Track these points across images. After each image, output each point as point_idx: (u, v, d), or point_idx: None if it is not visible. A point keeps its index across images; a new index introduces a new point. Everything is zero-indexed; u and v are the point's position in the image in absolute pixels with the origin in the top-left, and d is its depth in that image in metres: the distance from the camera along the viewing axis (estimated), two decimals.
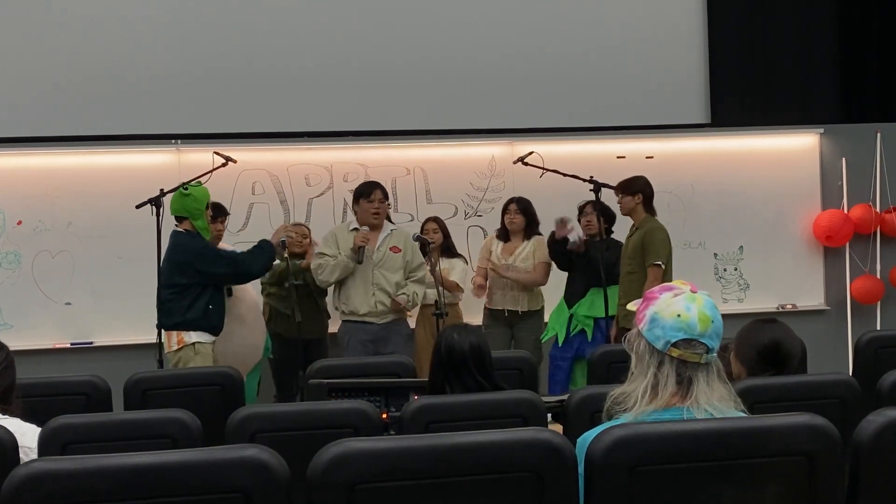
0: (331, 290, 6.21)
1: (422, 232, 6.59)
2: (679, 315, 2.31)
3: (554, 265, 6.54)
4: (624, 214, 6.19)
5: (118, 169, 6.93)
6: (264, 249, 5.69)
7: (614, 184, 6.09)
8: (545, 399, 3.53)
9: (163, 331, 5.54)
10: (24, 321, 6.75)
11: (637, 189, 6.07)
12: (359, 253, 5.86)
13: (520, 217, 6.56)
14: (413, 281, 6.07)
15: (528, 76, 7.53)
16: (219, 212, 6.07)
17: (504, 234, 6.64)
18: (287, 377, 6.39)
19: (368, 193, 5.99)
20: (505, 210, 6.64)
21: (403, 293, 5.99)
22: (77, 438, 2.99)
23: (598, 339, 6.22)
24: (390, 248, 6.00)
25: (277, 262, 6.16)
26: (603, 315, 6.07)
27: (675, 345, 2.30)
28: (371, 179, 6.41)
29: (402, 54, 7.40)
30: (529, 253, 6.53)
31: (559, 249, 6.38)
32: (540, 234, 6.60)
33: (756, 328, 3.34)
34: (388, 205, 6.23)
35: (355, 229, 5.98)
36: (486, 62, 7.48)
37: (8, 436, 2.79)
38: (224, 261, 5.56)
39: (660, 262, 5.87)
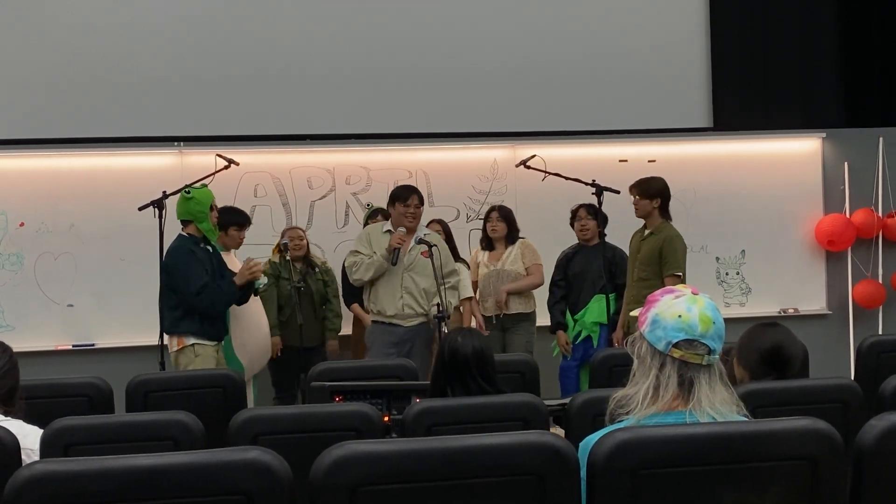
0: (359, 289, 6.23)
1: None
2: (680, 316, 2.32)
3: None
4: (639, 217, 6.00)
5: (120, 171, 6.94)
6: (227, 293, 5.50)
7: (616, 187, 6.03)
8: (547, 402, 3.53)
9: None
10: (26, 323, 6.76)
11: (656, 193, 5.90)
12: (394, 254, 5.86)
13: (502, 224, 6.54)
14: (449, 288, 5.97)
15: (531, 79, 7.54)
16: (240, 218, 6.11)
17: (488, 244, 6.63)
18: (286, 380, 6.38)
19: (406, 197, 5.98)
20: (487, 218, 6.63)
21: (437, 304, 5.85)
22: (79, 440, 2.99)
23: (602, 345, 6.20)
24: (421, 253, 5.99)
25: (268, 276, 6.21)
26: (607, 321, 6.06)
27: (676, 345, 2.31)
28: (408, 184, 6.38)
29: (405, 57, 7.41)
30: (517, 256, 6.52)
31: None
32: (523, 237, 6.59)
33: (758, 332, 3.34)
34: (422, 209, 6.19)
35: (389, 231, 5.99)
36: (488, 66, 7.49)
37: (10, 437, 2.79)
38: (185, 283, 5.38)
39: (680, 274, 5.73)
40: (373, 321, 6.04)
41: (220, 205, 5.90)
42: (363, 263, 5.93)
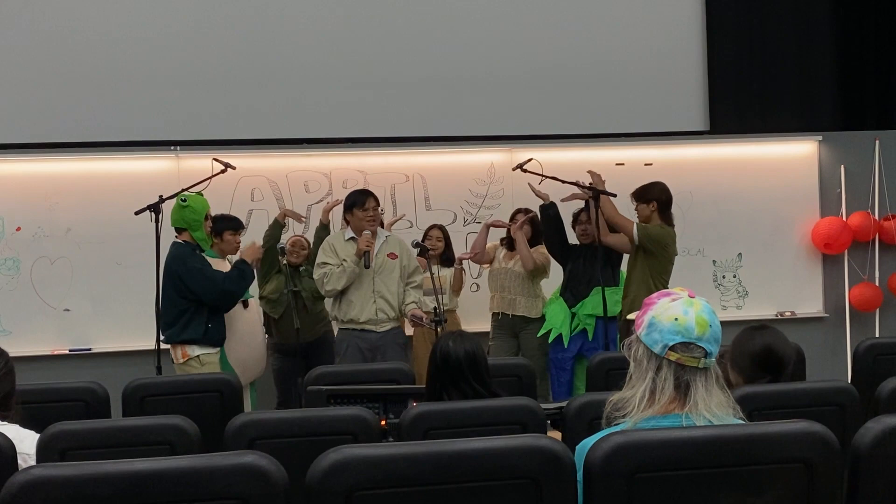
0: (328, 299, 6.22)
1: (425, 238, 6.60)
2: (676, 318, 2.31)
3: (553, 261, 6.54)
4: (641, 222, 6.02)
5: (117, 175, 6.93)
6: (244, 272, 5.64)
7: (613, 191, 6.06)
8: (544, 406, 3.53)
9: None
10: (23, 327, 6.75)
11: (652, 197, 5.96)
12: (365, 257, 5.86)
13: (527, 227, 6.54)
14: (413, 287, 6.07)
15: (528, 83, 7.54)
16: (234, 223, 6.11)
17: (509, 244, 6.64)
18: (288, 385, 6.36)
19: (363, 202, 5.98)
20: (512, 219, 6.63)
21: (414, 303, 6.00)
22: (75, 445, 2.99)
23: (598, 337, 6.19)
24: (388, 255, 6.01)
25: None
26: (604, 315, 6.06)
27: (672, 348, 2.30)
28: (361, 188, 6.37)
29: (402, 61, 7.42)
30: None
31: (555, 228, 6.32)
32: (541, 243, 6.61)
33: (747, 336, 3.34)
34: (382, 211, 6.25)
35: (353, 238, 5.98)
36: (485, 69, 7.50)
37: (6, 442, 2.79)
38: (208, 282, 5.48)
39: (636, 223, 5.88)
40: (342, 329, 6.02)
41: (216, 208, 5.91)
42: (333, 273, 5.90)
